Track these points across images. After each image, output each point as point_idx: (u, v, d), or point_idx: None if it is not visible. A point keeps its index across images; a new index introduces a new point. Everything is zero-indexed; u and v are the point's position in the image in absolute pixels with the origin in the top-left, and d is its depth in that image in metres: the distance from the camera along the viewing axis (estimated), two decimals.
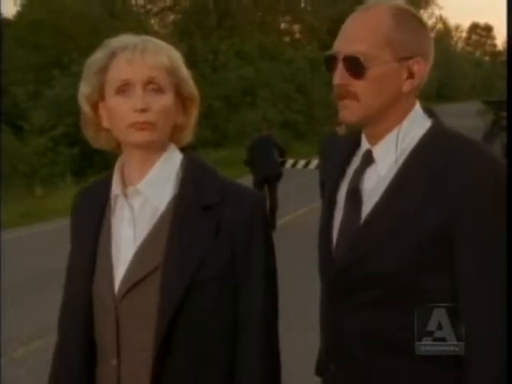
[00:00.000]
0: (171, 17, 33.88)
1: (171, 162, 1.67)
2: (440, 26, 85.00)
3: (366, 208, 1.58)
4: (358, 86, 1.54)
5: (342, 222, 1.63)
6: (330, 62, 1.58)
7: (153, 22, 32.33)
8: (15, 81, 21.79)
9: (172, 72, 1.61)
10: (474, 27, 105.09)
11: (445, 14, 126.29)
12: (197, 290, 1.57)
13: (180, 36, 27.50)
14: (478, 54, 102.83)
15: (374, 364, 1.56)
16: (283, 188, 11.50)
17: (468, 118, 32.64)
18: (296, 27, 37.36)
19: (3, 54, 18.61)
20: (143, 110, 1.56)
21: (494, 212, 1.46)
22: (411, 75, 1.55)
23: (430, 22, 65.01)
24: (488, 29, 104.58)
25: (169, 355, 1.57)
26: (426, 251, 1.48)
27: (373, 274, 1.53)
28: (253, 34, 30.29)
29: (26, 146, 18.76)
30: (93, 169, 17.96)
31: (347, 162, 1.71)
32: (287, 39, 35.86)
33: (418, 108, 1.61)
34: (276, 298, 1.67)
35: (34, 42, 23.87)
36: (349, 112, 1.57)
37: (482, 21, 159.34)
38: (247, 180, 12.18)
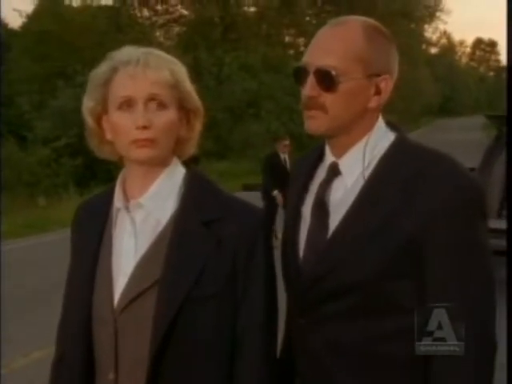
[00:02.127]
0: (176, 29, 33.97)
1: (173, 176, 1.67)
2: (444, 40, 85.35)
3: (334, 220, 1.59)
4: (327, 98, 1.56)
5: (309, 235, 1.64)
6: (300, 74, 1.61)
7: (158, 34, 32.46)
8: (20, 91, 21.88)
9: (175, 87, 1.61)
10: (479, 42, 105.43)
11: (449, 29, 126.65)
12: (194, 305, 1.55)
13: (185, 48, 27.57)
14: (482, 69, 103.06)
15: (342, 375, 1.56)
16: None
17: (472, 132, 32.56)
18: (300, 40, 37.44)
19: (8, 63, 18.67)
20: (145, 127, 1.55)
21: (465, 217, 1.48)
22: (378, 91, 1.58)
23: (435, 37, 65.14)
24: (492, 44, 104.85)
25: (164, 369, 1.55)
26: (396, 259, 1.49)
27: (343, 284, 1.54)
28: (257, 47, 30.37)
29: (29, 156, 18.80)
30: (96, 180, 17.99)
31: (310, 176, 1.72)
32: (292, 52, 35.92)
33: (381, 121, 1.64)
34: (276, 314, 1.66)
35: (40, 53, 23.97)
36: (315, 123, 1.59)
37: (486, 36, 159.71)
38: (249, 193, 12.15)
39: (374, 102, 1.58)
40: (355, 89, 1.55)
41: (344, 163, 1.62)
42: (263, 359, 1.61)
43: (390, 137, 1.62)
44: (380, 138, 1.61)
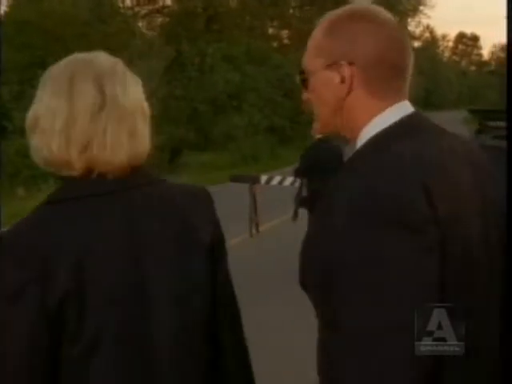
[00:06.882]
0: (159, 19, 33.82)
1: None
2: (427, 35, 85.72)
3: None
4: (309, 98, 1.58)
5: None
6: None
7: (140, 24, 32.25)
8: (1, 81, 21.70)
9: None
10: (461, 37, 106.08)
11: (432, 23, 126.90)
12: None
13: (167, 39, 27.45)
14: (464, 63, 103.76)
15: None
16: (274, 190, 11.48)
17: (454, 126, 32.74)
18: (284, 32, 37.43)
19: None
20: None
21: (362, 229, 1.27)
22: (343, 80, 1.51)
23: (418, 31, 65.37)
24: (474, 38, 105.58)
25: None
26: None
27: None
28: (240, 39, 30.32)
29: (9, 147, 18.66)
30: None
31: None
32: (275, 44, 35.89)
33: (384, 116, 1.50)
34: None
35: (20, 43, 23.76)
36: (314, 125, 1.61)
37: (468, 31, 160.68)
38: (231, 185, 12.13)
39: (340, 92, 1.51)
40: (320, 81, 1.53)
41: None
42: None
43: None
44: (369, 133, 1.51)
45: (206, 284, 1.61)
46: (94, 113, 1.50)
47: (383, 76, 1.49)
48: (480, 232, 1.40)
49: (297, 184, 9.20)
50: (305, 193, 8.45)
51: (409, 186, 1.29)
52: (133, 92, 1.57)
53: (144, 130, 1.58)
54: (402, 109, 1.51)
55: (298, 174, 8.71)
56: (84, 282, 1.42)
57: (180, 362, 1.55)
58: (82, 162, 1.51)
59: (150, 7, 33.22)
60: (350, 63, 1.49)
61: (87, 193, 1.51)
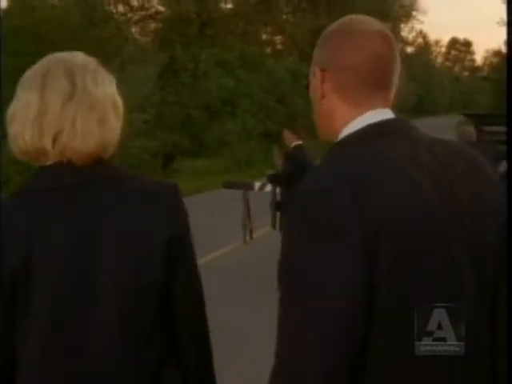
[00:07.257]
0: (152, 25, 33.83)
1: None
2: (420, 40, 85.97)
3: None
4: None
5: None
6: None
7: (133, 30, 32.25)
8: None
9: None
10: (454, 42, 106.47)
11: (425, 28, 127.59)
12: None
13: (161, 44, 27.45)
14: (456, 69, 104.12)
15: None
16: (268, 197, 11.47)
17: (447, 131, 32.83)
18: (277, 38, 37.52)
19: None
20: None
21: (288, 228, 1.36)
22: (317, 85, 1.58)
23: (411, 37, 65.79)
24: (467, 44, 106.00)
25: None
26: None
27: None
28: (234, 44, 30.35)
29: (1, 153, 18.64)
30: None
31: None
32: (268, 50, 35.95)
33: (357, 122, 1.51)
34: None
35: (14, 49, 23.75)
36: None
37: (461, 36, 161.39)
38: (225, 191, 12.11)
39: (317, 96, 1.57)
40: (310, 88, 1.60)
41: None
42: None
43: None
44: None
45: (159, 283, 1.60)
46: (65, 101, 1.54)
47: (356, 85, 1.51)
48: (442, 234, 1.35)
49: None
50: (279, 198, 8.62)
51: (335, 187, 1.31)
52: (105, 86, 1.61)
53: (115, 123, 1.61)
54: (378, 115, 1.50)
55: (271, 179, 8.83)
56: (32, 274, 1.47)
57: (122, 363, 1.57)
58: (55, 151, 1.56)
59: (143, 13, 33.23)
60: (323, 69, 1.53)
61: (50, 186, 1.57)
